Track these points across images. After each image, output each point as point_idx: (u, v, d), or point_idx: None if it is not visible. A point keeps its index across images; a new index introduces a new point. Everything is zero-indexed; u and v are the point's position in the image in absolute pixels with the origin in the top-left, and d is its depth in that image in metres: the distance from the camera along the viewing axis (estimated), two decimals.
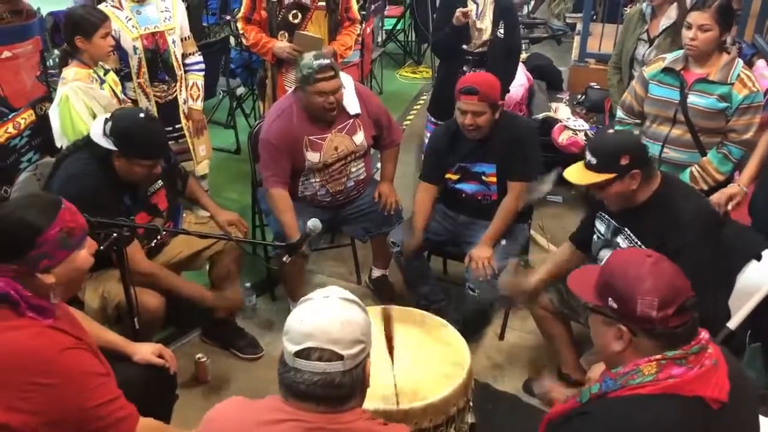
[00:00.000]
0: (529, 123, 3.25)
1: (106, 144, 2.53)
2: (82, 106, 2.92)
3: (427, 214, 3.15)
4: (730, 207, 2.84)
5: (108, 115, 2.61)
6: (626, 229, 2.43)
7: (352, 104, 3.14)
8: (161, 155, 2.64)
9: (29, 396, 1.58)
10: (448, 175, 3.13)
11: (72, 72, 2.97)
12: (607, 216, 2.52)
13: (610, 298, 1.48)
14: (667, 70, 2.98)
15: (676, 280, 1.46)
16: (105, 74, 3.13)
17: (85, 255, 1.75)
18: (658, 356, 1.43)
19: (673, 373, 1.42)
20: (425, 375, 2.18)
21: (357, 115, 3.15)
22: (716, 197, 2.81)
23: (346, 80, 3.14)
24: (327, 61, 2.95)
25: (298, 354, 1.39)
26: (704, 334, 1.48)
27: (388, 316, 2.45)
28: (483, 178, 3.08)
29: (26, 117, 3.35)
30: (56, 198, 1.74)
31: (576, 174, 2.38)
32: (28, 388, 1.58)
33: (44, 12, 5.14)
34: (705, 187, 2.93)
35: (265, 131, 3.11)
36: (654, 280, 1.44)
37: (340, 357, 1.38)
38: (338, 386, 1.39)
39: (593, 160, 2.30)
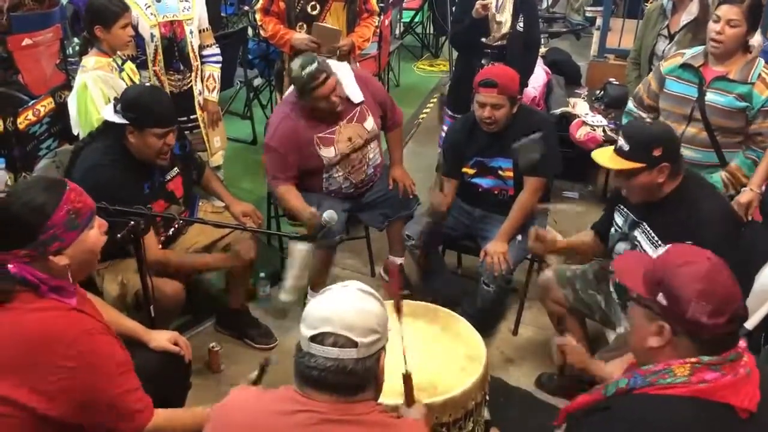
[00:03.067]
0: (546, 118, 3.24)
1: (118, 119, 2.56)
2: (100, 94, 2.94)
3: (450, 199, 3.15)
4: (749, 217, 2.80)
5: (117, 96, 2.65)
6: (644, 223, 2.41)
7: (354, 93, 3.14)
8: (172, 121, 2.65)
9: (52, 378, 1.60)
10: (464, 170, 3.13)
11: (92, 60, 2.99)
12: (625, 209, 2.50)
13: (660, 294, 1.41)
14: (685, 66, 2.93)
15: (732, 287, 1.40)
16: (123, 63, 3.15)
17: (95, 234, 1.75)
18: (694, 359, 1.38)
19: (706, 378, 1.37)
20: (443, 370, 2.18)
21: (362, 102, 3.15)
22: (734, 208, 2.77)
23: (343, 69, 3.14)
24: (314, 66, 2.92)
25: (314, 338, 1.40)
26: (741, 342, 1.42)
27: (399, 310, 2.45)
28: (500, 172, 3.06)
29: (46, 104, 3.38)
30: (60, 180, 1.74)
31: (605, 158, 2.34)
32: (51, 370, 1.59)
33: (65, 0, 5.18)
34: (733, 193, 2.89)
35: (269, 138, 3.12)
36: (711, 284, 1.37)
37: (355, 344, 1.39)
38: (350, 374, 1.39)
39: (625, 146, 2.25)
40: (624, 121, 3.26)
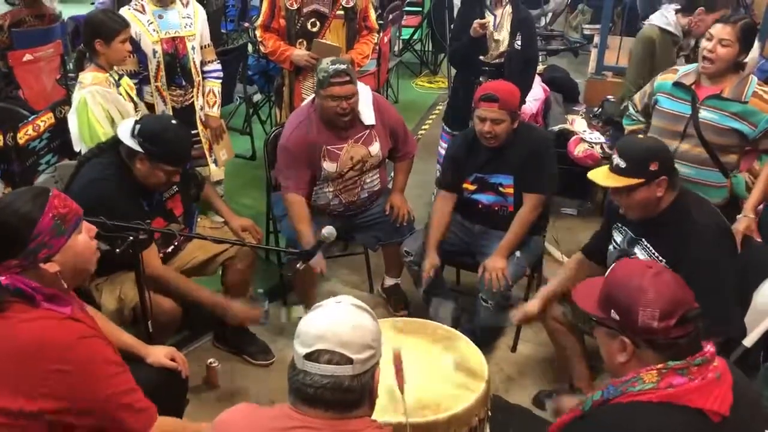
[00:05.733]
0: (546, 135, 3.25)
1: (133, 145, 2.56)
2: (100, 110, 2.94)
3: (443, 229, 3.11)
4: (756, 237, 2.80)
5: (138, 118, 2.64)
6: (643, 239, 2.41)
7: (367, 115, 3.14)
8: (185, 163, 2.67)
9: (49, 383, 1.60)
10: (465, 185, 3.13)
11: (90, 76, 2.99)
12: (624, 227, 2.50)
13: (612, 310, 1.50)
14: (677, 85, 2.94)
15: (677, 291, 1.48)
16: (119, 78, 3.16)
17: (84, 239, 1.75)
18: (660, 365, 1.44)
19: (673, 383, 1.43)
20: (445, 387, 2.18)
21: (372, 126, 3.16)
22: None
23: (364, 91, 3.15)
24: (343, 67, 2.95)
25: (308, 356, 1.40)
26: (709, 347, 1.48)
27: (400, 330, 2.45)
28: (500, 189, 3.07)
29: (46, 119, 3.39)
30: (44, 187, 1.74)
31: (602, 177, 2.34)
32: (47, 375, 1.60)
33: (65, 16, 5.21)
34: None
35: (285, 139, 3.12)
36: (655, 291, 1.46)
37: (350, 360, 1.39)
38: (347, 390, 1.39)
39: (622, 164, 2.26)
40: (624, 123, 3.27)
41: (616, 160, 2.29)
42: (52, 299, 1.66)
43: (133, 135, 2.56)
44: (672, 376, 1.43)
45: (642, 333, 1.46)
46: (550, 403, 2.20)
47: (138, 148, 2.55)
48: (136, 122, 2.61)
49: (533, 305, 2.69)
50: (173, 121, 2.67)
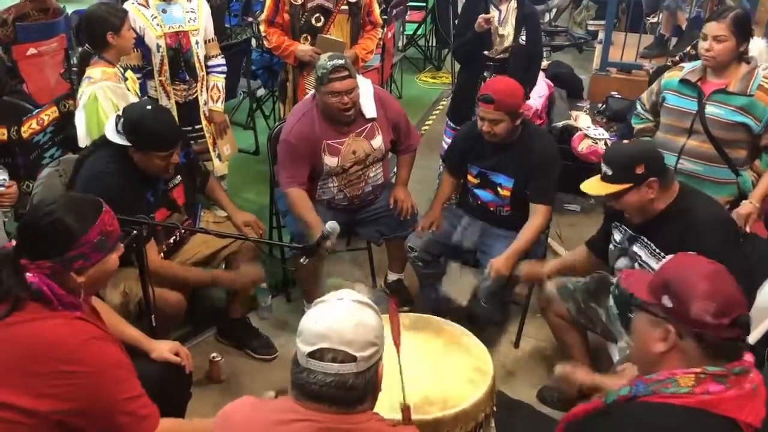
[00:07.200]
0: (553, 146, 3.18)
1: (121, 140, 2.56)
2: (110, 105, 2.94)
3: (445, 198, 3.27)
4: (747, 229, 2.80)
5: (120, 112, 2.64)
6: (643, 236, 2.42)
7: (369, 108, 3.14)
8: (175, 144, 2.64)
9: (56, 383, 1.60)
10: (469, 177, 3.14)
11: (99, 71, 2.99)
12: (623, 226, 2.51)
13: (665, 296, 1.42)
14: (684, 82, 2.93)
15: (736, 292, 1.42)
16: (124, 72, 3.16)
17: (115, 259, 1.79)
18: (698, 369, 1.38)
19: (710, 390, 1.36)
20: (451, 382, 2.18)
21: (374, 119, 3.16)
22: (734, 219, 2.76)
23: (365, 84, 3.15)
24: (341, 61, 2.95)
25: (311, 355, 1.39)
26: (748, 357, 1.42)
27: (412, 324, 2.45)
28: (498, 189, 3.07)
29: (50, 113, 3.39)
30: (98, 200, 1.78)
31: (593, 186, 2.39)
32: (55, 375, 1.60)
33: (69, 10, 5.20)
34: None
35: (286, 133, 3.12)
36: (715, 285, 1.40)
37: (353, 358, 1.39)
38: (350, 388, 1.39)
39: (608, 171, 2.32)
40: (633, 121, 3.26)
41: (604, 168, 2.34)
42: (66, 305, 1.68)
43: (118, 131, 2.57)
44: (709, 383, 1.36)
45: (692, 325, 1.38)
46: (558, 369, 2.16)
47: (125, 142, 2.56)
48: (118, 117, 2.61)
49: (542, 269, 2.77)
50: (149, 107, 2.63)
